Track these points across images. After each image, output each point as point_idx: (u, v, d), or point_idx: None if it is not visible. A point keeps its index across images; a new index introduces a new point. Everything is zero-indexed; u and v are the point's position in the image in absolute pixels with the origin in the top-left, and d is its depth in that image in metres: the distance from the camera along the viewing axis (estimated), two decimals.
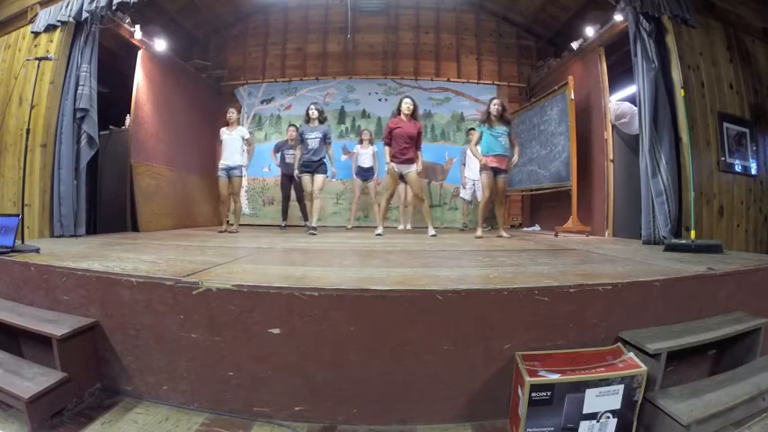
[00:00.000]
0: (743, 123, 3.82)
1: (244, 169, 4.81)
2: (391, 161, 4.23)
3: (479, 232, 4.24)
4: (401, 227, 5.68)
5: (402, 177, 4.32)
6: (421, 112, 6.52)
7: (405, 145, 4.19)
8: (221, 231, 4.63)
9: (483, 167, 4.12)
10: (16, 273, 1.99)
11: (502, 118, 4.13)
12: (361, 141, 5.73)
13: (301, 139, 4.53)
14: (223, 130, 4.72)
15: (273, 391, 1.54)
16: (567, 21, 5.97)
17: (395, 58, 6.89)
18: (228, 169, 4.61)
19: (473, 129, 4.24)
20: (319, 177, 4.49)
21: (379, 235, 4.29)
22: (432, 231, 4.31)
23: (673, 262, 2.22)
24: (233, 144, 4.63)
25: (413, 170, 4.26)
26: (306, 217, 5.73)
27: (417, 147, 4.28)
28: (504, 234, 4.25)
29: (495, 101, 4.21)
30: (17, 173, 3.56)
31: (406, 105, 4.22)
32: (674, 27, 3.52)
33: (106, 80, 4.28)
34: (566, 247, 3.24)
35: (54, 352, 1.57)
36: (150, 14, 5.31)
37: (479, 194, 5.72)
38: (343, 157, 6.14)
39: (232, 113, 4.77)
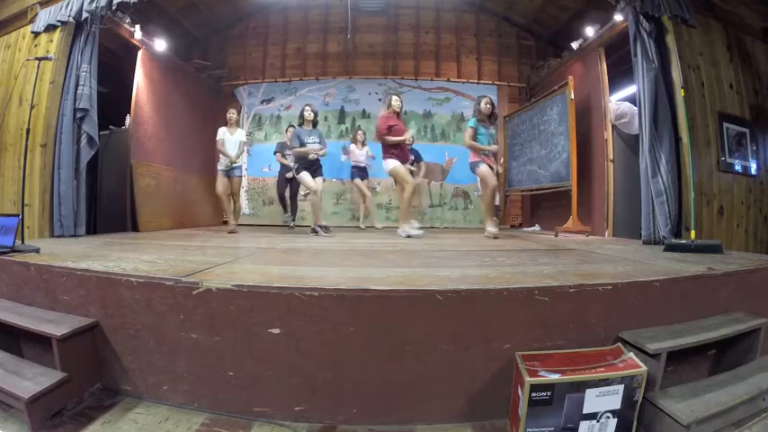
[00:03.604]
0: (743, 123, 3.82)
1: (243, 169, 4.83)
2: (397, 161, 4.17)
3: (494, 229, 4.01)
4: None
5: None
6: (421, 111, 6.64)
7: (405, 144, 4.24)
8: (230, 232, 4.56)
9: (481, 162, 3.98)
10: (16, 273, 1.99)
11: (491, 116, 4.07)
12: (354, 141, 5.74)
13: (300, 144, 4.40)
14: (224, 129, 4.70)
15: (273, 391, 1.54)
16: (567, 21, 5.97)
17: (395, 58, 6.88)
18: (229, 169, 4.63)
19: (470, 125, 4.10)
20: (319, 180, 4.46)
21: (409, 237, 4.00)
22: (404, 232, 4.08)
23: (673, 262, 2.22)
24: (234, 146, 4.67)
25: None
26: (289, 210, 5.74)
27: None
28: (492, 229, 4.01)
29: (486, 98, 4.07)
30: (17, 173, 3.55)
31: (398, 103, 4.20)
32: (674, 27, 3.52)
33: (106, 80, 4.27)
34: (566, 247, 3.24)
35: (54, 352, 1.57)
36: (150, 14, 5.30)
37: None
38: (344, 158, 6.14)
39: (233, 114, 4.78)
